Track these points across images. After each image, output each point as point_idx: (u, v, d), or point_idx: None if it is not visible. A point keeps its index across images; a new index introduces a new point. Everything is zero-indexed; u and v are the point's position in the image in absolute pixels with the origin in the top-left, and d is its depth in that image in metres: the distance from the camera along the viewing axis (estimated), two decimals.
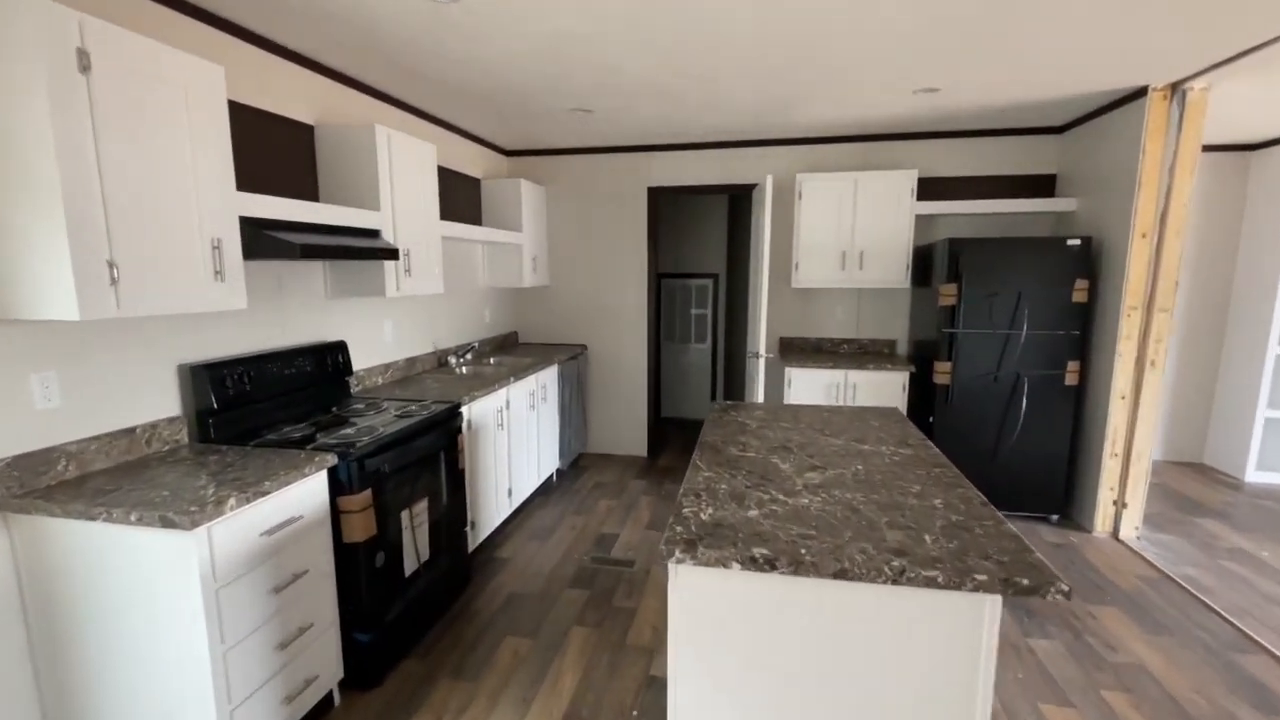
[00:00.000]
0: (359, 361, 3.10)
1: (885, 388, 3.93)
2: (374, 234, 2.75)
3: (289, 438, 2.22)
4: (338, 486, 2.08)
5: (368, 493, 2.14)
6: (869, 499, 1.62)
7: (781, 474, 1.82)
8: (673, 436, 5.65)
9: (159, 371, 2.08)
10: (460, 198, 4.10)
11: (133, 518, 1.56)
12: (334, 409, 2.66)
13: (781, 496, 1.64)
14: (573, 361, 4.52)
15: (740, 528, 1.43)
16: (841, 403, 3.98)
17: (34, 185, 1.51)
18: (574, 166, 4.72)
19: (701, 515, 1.51)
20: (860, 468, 1.88)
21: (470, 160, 4.22)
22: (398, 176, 2.86)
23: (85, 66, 1.53)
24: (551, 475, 4.40)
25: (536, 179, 4.80)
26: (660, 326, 6.25)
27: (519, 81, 3.01)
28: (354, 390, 3.04)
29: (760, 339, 3.79)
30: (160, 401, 2.09)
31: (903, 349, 4.43)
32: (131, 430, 1.98)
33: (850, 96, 3.28)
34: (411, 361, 3.54)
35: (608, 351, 4.93)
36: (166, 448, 2.09)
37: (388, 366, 3.31)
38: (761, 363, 3.81)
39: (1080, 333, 3.48)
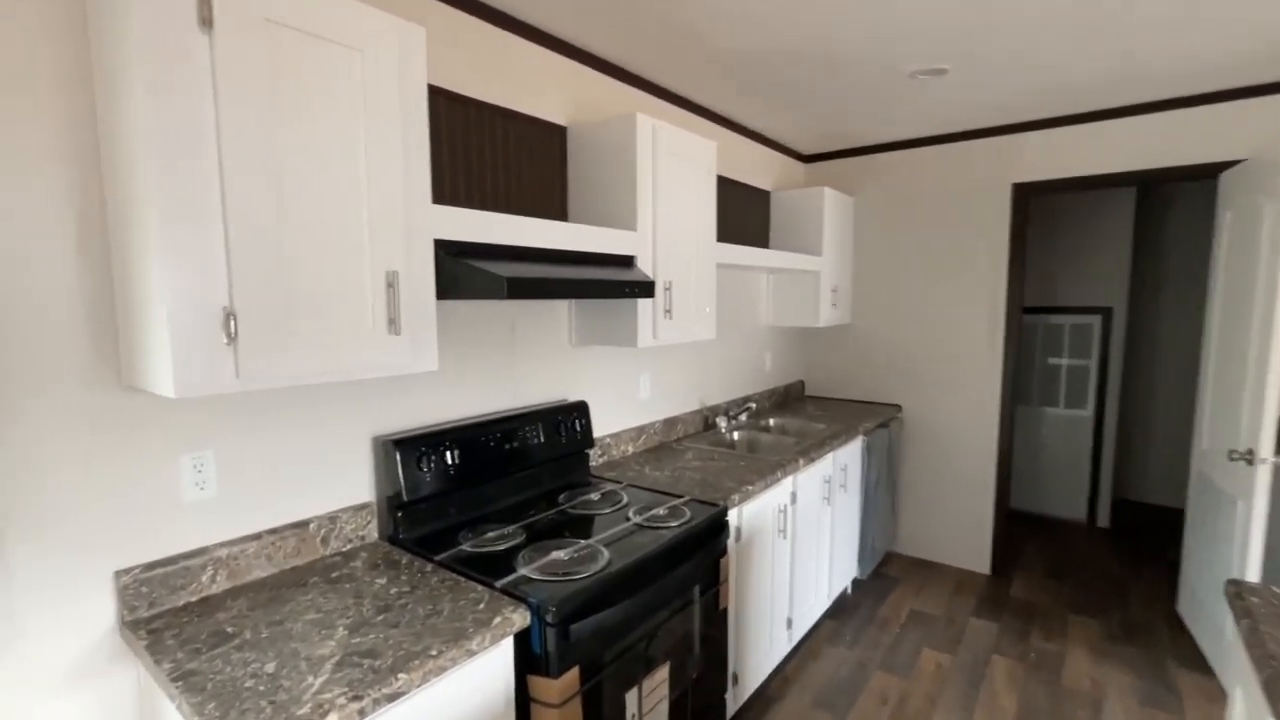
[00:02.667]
0: (606, 424, 2.42)
1: None
2: (627, 261, 2.03)
3: (489, 550, 1.55)
4: (528, 657, 1.31)
5: (574, 673, 1.33)
6: None
7: None
8: (1027, 544, 3.89)
9: (350, 445, 1.60)
10: (742, 214, 3.25)
11: None
12: (562, 497, 1.97)
13: None
14: (882, 430, 3.27)
15: None
16: None
17: (132, 196, 1.05)
18: (897, 166, 3.50)
19: None
20: None
21: (756, 167, 3.36)
22: (662, 184, 2.10)
23: (206, 20, 1.02)
24: (846, 588, 3.20)
25: (843, 188, 3.72)
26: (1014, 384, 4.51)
27: (839, 32, 2.02)
28: (596, 461, 2.36)
29: (1263, 429, 2.08)
30: (346, 484, 1.60)
31: None
32: (305, 524, 1.50)
33: None
34: (671, 423, 2.76)
35: (933, 416, 3.53)
36: (347, 547, 1.59)
37: (640, 430, 2.58)
38: (1265, 474, 2.08)
39: None
